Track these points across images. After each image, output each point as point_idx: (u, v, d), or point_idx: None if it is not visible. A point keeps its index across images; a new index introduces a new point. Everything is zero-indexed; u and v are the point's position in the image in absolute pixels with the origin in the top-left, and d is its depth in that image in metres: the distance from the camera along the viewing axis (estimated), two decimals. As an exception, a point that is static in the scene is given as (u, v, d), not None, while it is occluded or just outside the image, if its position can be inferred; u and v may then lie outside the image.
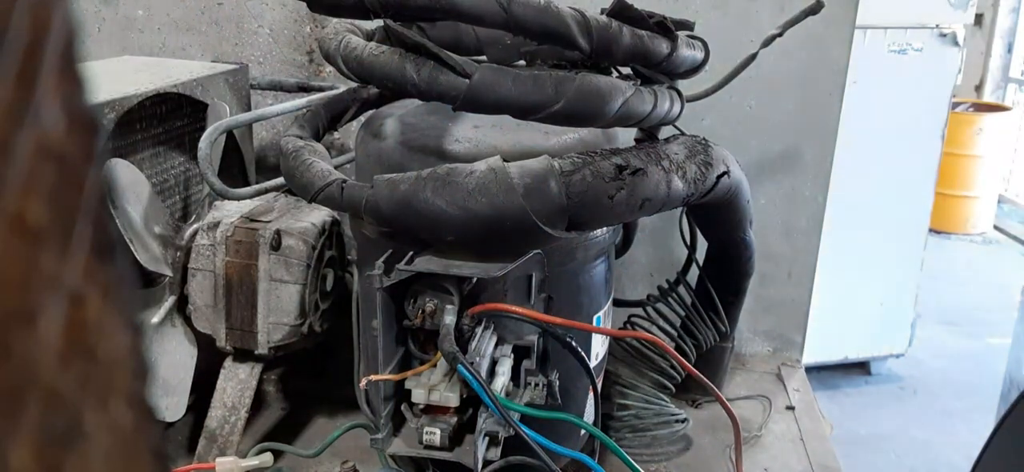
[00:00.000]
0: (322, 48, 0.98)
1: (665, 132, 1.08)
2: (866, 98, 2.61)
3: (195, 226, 1.17)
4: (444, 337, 0.87)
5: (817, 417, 1.44)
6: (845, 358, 3.28)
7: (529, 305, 0.93)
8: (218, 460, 1.08)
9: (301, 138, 1.02)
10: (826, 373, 3.23)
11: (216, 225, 1.14)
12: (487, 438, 0.90)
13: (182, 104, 1.30)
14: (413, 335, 0.94)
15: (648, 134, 1.05)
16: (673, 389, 1.32)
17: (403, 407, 0.94)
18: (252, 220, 1.15)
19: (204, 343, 1.18)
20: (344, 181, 0.91)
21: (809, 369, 1.68)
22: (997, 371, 2.77)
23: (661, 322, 1.35)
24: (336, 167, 0.96)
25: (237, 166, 1.41)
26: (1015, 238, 5.21)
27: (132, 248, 1.08)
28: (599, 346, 1.09)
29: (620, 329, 1.34)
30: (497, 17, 0.81)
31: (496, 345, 0.95)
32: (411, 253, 0.91)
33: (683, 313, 1.36)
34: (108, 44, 1.61)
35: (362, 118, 1.13)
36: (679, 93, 1.01)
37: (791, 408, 1.46)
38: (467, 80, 0.83)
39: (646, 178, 0.92)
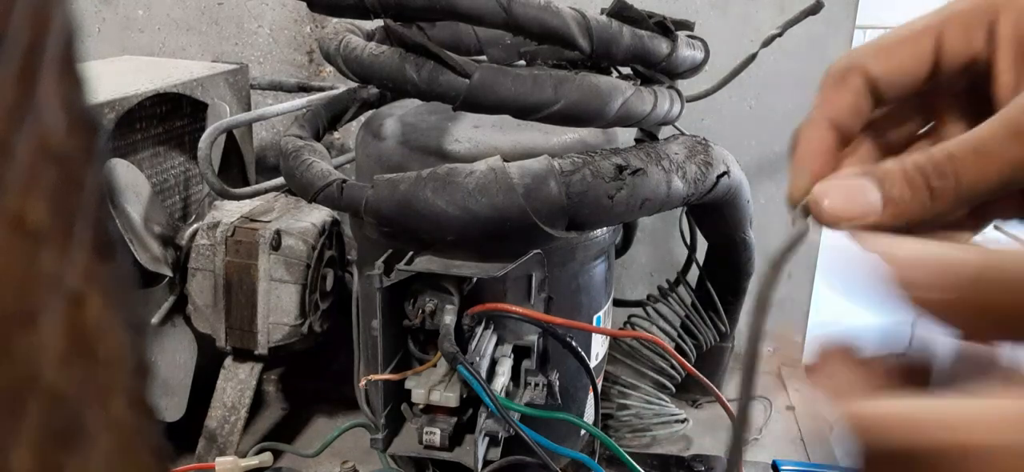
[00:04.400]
0: (322, 48, 0.98)
1: (665, 132, 1.08)
2: (866, 98, 2.61)
3: (195, 226, 1.17)
4: (444, 337, 0.87)
5: (817, 417, 1.44)
6: (845, 358, 3.27)
7: (529, 305, 0.93)
8: (218, 460, 1.08)
9: (301, 138, 1.02)
10: (826, 373, 3.23)
11: (216, 225, 1.14)
12: (487, 438, 0.90)
13: (182, 104, 1.30)
14: (413, 335, 0.94)
15: (648, 134, 1.05)
16: (673, 389, 1.32)
17: (403, 407, 0.93)
18: (252, 220, 1.15)
19: (204, 343, 1.18)
20: (344, 181, 0.91)
21: (809, 369, 1.68)
22: (997, 371, 2.77)
23: (661, 322, 1.35)
24: (336, 167, 0.96)
25: (237, 166, 1.41)
26: (1015, 238, 5.21)
27: (132, 248, 1.08)
28: (599, 346, 1.09)
29: (620, 329, 1.34)
30: (497, 17, 0.81)
31: (496, 345, 0.95)
32: (411, 253, 0.91)
33: (683, 313, 1.36)
34: (108, 44, 1.61)
35: (362, 118, 1.13)
36: (679, 93, 1.01)
37: (791, 408, 1.46)
38: (467, 80, 0.83)
39: (646, 178, 0.92)
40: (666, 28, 0.93)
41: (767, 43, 1.26)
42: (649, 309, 1.36)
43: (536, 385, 0.95)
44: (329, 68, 1.36)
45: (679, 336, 1.34)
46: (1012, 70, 0.28)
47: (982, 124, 0.27)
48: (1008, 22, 0.28)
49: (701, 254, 1.36)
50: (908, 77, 0.30)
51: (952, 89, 0.30)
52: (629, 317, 1.39)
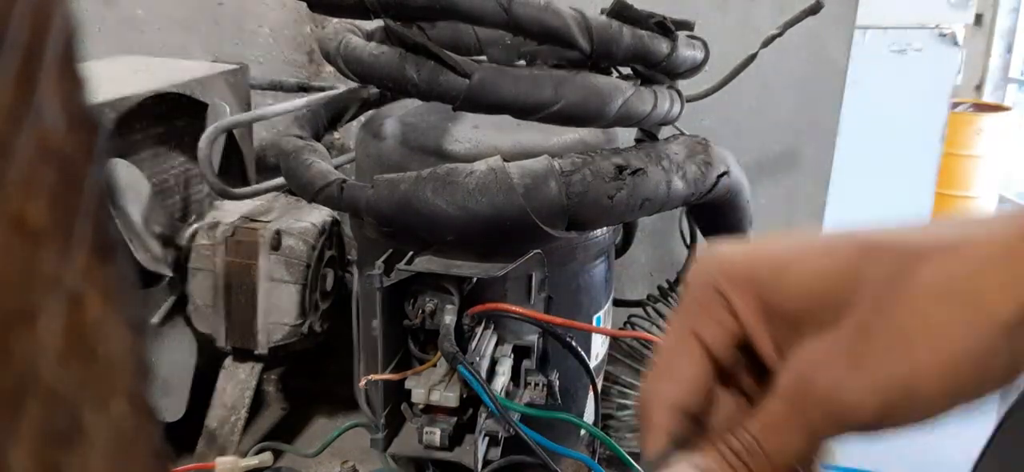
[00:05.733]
0: (322, 48, 0.98)
1: (665, 132, 1.08)
2: (866, 98, 2.61)
3: (195, 226, 1.17)
4: (444, 337, 0.87)
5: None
6: (845, 358, 3.27)
7: (529, 305, 0.93)
8: (218, 460, 1.08)
9: (301, 138, 1.02)
10: (826, 373, 3.22)
11: (216, 225, 1.14)
12: (487, 438, 0.90)
13: (182, 104, 1.30)
14: (413, 335, 0.94)
15: (648, 134, 1.05)
16: (673, 389, 1.31)
17: (403, 407, 0.93)
18: (252, 220, 1.15)
19: (204, 343, 1.18)
20: (344, 181, 0.91)
21: (809, 369, 1.67)
22: (997, 371, 2.77)
23: (661, 322, 1.35)
24: (336, 167, 0.96)
25: (237, 166, 1.41)
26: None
27: (132, 248, 1.08)
28: (599, 346, 1.09)
29: (620, 329, 1.34)
30: (497, 17, 0.81)
31: (496, 345, 0.95)
32: (411, 253, 0.91)
33: (683, 313, 1.35)
34: (108, 44, 1.61)
35: (362, 118, 1.13)
36: (679, 93, 1.01)
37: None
38: (467, 80, 0.83)
39: (646, 178, 0.92)
40: (666, 28, 0.93)
41: (767, 43, 1.26)
42: (649, 309, 1.36)
43: (536, 385, 0.95)
44: (329, 68, 1.36)
45: (679, 336, 1.34)
46: (765, 336, 0.32)
47: (766, 398, 0.31)
48: (742, 300, 0.32)
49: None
50: (698, 382, 0.34)
51: (745, 363, 0.34)
52: (629, 317, 1.39)
